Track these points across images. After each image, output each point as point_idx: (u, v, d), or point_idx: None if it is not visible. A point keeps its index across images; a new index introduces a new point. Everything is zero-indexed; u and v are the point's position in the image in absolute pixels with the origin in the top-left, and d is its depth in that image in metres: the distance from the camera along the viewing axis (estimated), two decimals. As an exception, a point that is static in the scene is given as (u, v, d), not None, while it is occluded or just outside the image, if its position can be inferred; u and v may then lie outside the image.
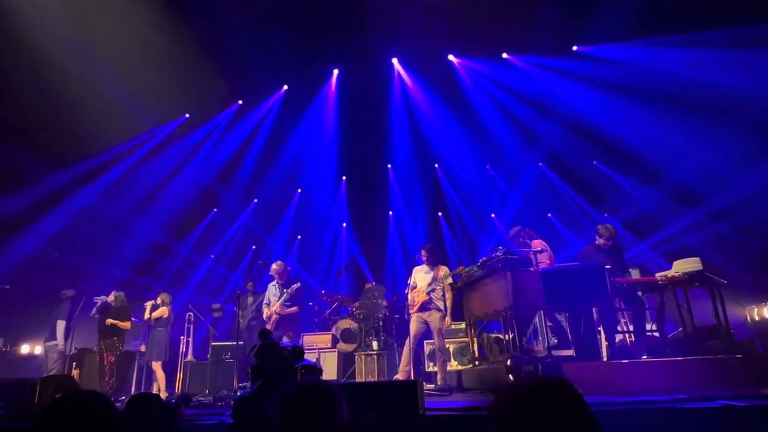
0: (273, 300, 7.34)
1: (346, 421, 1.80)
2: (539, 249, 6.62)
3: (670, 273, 5.83)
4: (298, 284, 7.53)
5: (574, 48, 10.08)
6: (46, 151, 9.19)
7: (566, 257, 10.83)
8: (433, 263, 6.88)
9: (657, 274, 6.05)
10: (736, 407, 3.28)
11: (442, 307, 6.64)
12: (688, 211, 10.54)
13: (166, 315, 8.59)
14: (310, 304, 10.02)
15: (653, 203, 11.28)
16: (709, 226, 10.01)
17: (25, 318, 9.63)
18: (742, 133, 8.86)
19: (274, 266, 7.61)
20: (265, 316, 7.35)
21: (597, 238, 6.58)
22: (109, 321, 8.13)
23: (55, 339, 8.53)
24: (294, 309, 7.34)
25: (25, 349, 9.58)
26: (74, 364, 8.39)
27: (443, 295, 6.70)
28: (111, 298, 8.30)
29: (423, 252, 6.99)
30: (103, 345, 8.07)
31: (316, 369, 2.83)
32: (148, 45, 8.79)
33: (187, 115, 11.33)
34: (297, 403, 1.80)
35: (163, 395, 8.30)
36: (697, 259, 5.73)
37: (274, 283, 7.53)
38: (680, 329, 6.14)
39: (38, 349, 9.45)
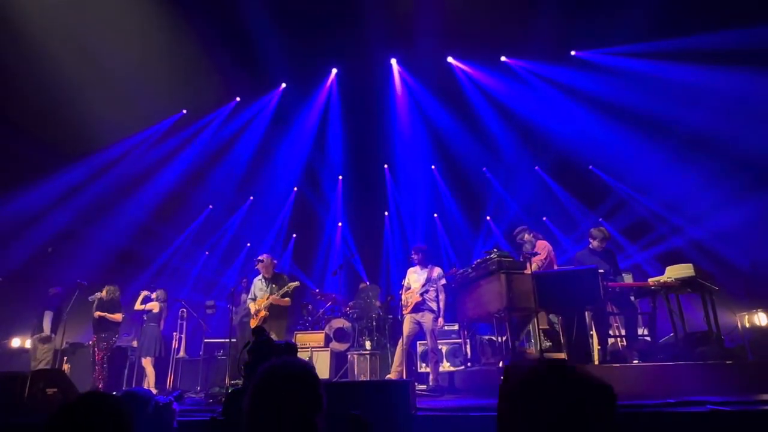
0: (259, 294, 6.92)
1: (325, 412, 1.53)
2: (537, 252, 6.66)
3: (662, 278, 5.86)
4: (297, 283, 7.09)
5: (573, 53, 10.12)
6: (41, 145, 9.14)
7: (561, 261, 10.85)
8: (425, 264, 6.89)
9: (650, 279, 6.09)
10: (725, 412, 3.30)
11: (435, 309, 6.65)
12: (682, 218, 10.59)
13: (156, 310, 8.54)
14: (304, 303, 10.01)
15: (647, 209, 11.34)
16: (703, 233, 10.06)
17: (16, 311, 9.58)
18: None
19: (260, 259, 7.12)
20: (252, 311, 6.92)
21: (590, 240, 6.63)
22: (97, 313, 8.03)
23: (42, 331, 8.46)
24: (287, 300, 6.88)
25: (15, 342, 9.51)
26: (65, 358, 8.34)
27: (437, 297, 6.71)
28: (103, 293, 8.25)
29: (413, 253, 7.01)
30: (95, 339, 8.03)
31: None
32: (145, 41, 8.75)
33: (184, 111, 11.29)
34: (272, 389, 1.50)
35: (153, 392, 8.26)
36: (690, 265, 5.77)
37: (260, 277, 7.07)
38: (672, 334, 6.17)
39: (29, 343, 9.40)
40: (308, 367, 1.60)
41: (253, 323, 6.70)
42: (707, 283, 5.71)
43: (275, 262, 7.27)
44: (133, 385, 8.32)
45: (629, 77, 9.55)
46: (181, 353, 8.79)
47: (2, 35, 8.06)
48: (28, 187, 9.67)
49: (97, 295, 8.25)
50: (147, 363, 8.22)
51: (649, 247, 11.24)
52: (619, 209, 11.74)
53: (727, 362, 4.98)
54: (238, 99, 11.56)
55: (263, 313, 6.74)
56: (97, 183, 10.71)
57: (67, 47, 8.38)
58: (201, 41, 9.05)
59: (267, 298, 6.79)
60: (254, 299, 6.97)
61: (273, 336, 6.68)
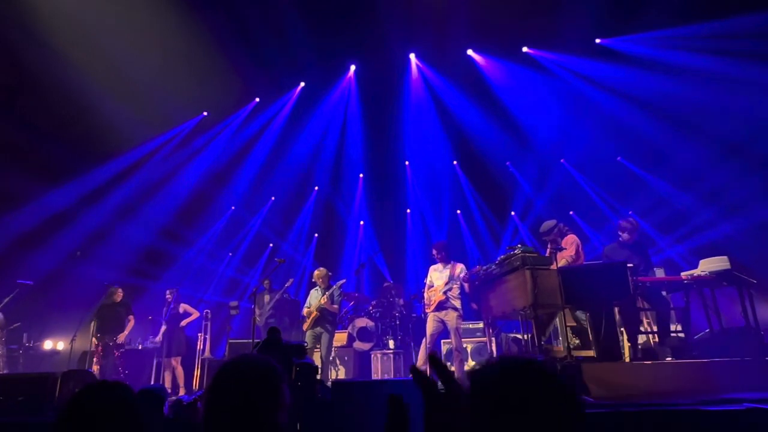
0: (314, 303, 7.46)
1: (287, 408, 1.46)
2: (564, 246, 6.45)
3: (696, 272, 5.65)
4: (343, 280, 7.88)
5: (597, 41, 9.82)
6: (67, 150, 9.32)
7: (589, 256, 10.56)
8: (447, 261, 6.80)
9: (682, 273, 5.87)
10: (763, 410, 3.13)
11: (458, 306, 6.56)
12: (716, 208, 10.19)
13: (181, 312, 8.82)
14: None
15: (680, 200, 10.95)
16: (738, 224, 9.66)
17: (49, 314, 9.81)
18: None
19: (316, 273, 7.79)
20: (305, 313, 7.59)
21: (620, 233, 6.42)
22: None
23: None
24: (335, 307, 7.54)
25: (48, 344, 9.75)
26: (95, 359, 8.49)
27: (460, 294, 6.63)
28: (118, 295, 8.43)
29: (434, 250, 6.93)
30: (108, 340, 8.17)
31: (311, 367, 2.76)
32: (165, 45, 8.82)
33: (206, 113, 11.40)
34: (224, 390, 1.42)
35: (182, 392, 8.38)
36: (725, 257, 5.53)
37: (316, 288, 7.68)
38: (707, 330, 5.94)
39: (61, 345, 9.61)
40: (264, 365, 1.51)
41: (306, 326, 7.45)
42: (744, 275, 5.47)
43: (330, 274, 7.92)
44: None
45: (657, 63, 9.23)
46: (206, 354, 8.87)
47: (28, 47, 8.26)
48: (56, 191, 9.91)
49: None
50: (177, 363, 8.51)
51: (681, 240, 10.86)
52: (650, 202, 11.37)
53: (767, 358, 4.75)
54: (257, 99, 11.61)
55: (315, 313, 7.37)
56: (123, 186, 10.91)
57: (91, 56, 8.54)
58: (219, 43, 9.08)
59: (320, 301, 7.40)
60: (309, 306, 7.58)
61: (325, 338, 7.20)
